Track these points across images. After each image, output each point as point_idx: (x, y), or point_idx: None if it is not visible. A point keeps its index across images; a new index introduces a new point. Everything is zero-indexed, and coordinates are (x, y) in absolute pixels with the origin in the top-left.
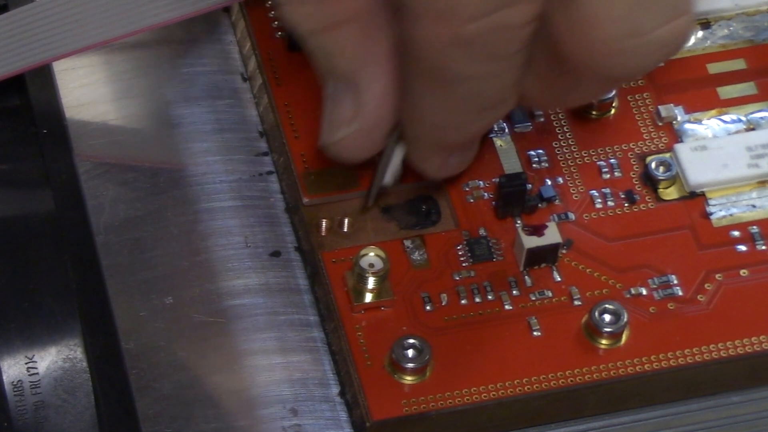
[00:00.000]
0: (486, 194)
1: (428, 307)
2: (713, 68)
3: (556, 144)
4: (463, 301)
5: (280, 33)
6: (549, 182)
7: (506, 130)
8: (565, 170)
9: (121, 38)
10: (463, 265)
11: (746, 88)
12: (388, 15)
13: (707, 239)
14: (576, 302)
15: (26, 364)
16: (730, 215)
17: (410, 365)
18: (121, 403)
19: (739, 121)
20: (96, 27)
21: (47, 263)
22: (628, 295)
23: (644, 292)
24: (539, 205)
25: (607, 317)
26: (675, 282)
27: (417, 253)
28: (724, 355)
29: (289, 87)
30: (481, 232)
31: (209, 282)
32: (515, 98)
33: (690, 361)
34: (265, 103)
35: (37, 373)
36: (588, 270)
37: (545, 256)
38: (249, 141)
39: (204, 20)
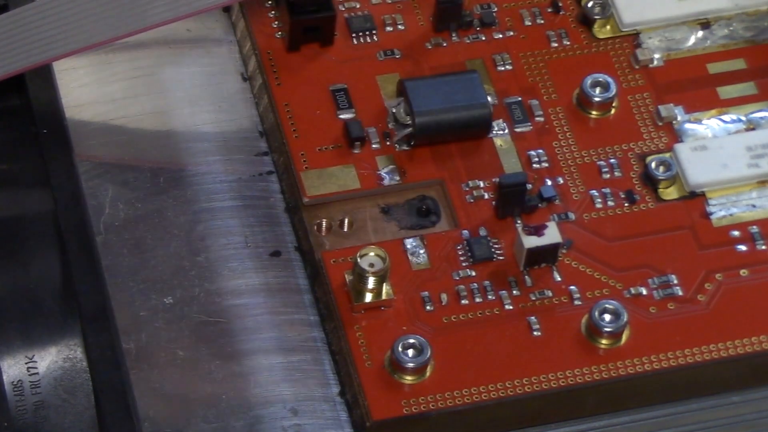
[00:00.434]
0: (486, 194)
1: (428, 307)
2: (713, 68)
3: (556, 144)
4: (463, 301)
5: (280, 33)
6: (549, 182)
7: (506, 130)
8: (565, 170)
9: (121, 38)
10: (463, 265)
11: (746, 88)
12: None
13: (707, 239)
14: (576, 302)
15: (26, 364)
16: (730, 215)
17: (410, 365)
18: (121, 403)
19: (739, 121)
20: (96, 27)
21: (47, 263)
22: (628, 295)
23: (644, 292)
24: (539, 205)
25: (607, 317)
26: (675, 282)
27: (417, 253)
28: (724, 355)
29: (289, 87)
30: (481, 232)
31: (209, 282)
32: None
33: (690, 361)
34: (265, 103)
35: (37, 373)
36: (588, 270)
37: (545, 256)
38: (249, 141)
39: (204, 20)
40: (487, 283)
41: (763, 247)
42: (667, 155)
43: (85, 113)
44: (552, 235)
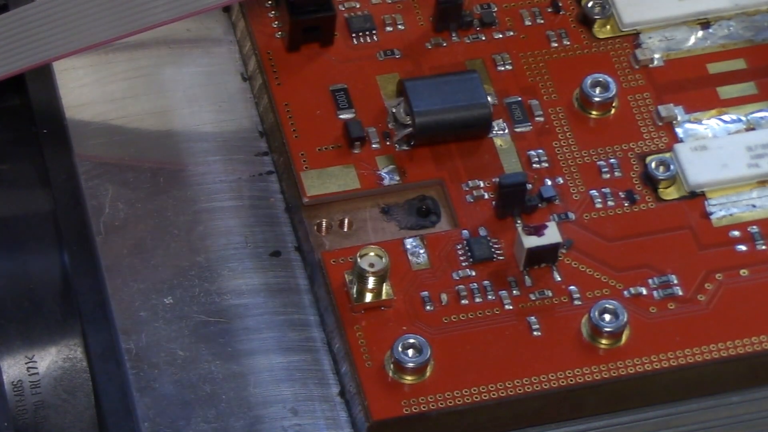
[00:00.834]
0: (486, 194)
1: (428, 307)
2: (713, 68)
3: (556, 144)
4: (463, 301)
5: (280, 33)
6: (549, 182)
7: (506, 130)
8: (565, 170)
9: (121, 38)
10: (463, 265)
11: (746, 88)
12: None
13: (707, 239)
14: (576, 302)
15: (26, 364)
16: (730, 215)
17: (410, 365)
18: (121, 403)
19: (739, 121)
20: (96, 27)
21: (47, 263)
22: (628, 295)
23: (644, 292)
24: (539, 205)
25: (607, 317)
26: (675, 282)
27: (417, 253)
28: (724, 355)
29: (289, 87)
30: (481, 232)
31: (209, 282)
32: None
33: (690, 361)
34: (265, 103)
35: (37, 373)
36: (588, 270)
37: (545, 256)
38: (249, 141)
39: (204, 20)
40: (487, 283)
41: (763, 247)
42: (667, 155)
43: (85, 113)
44: (552, 235)
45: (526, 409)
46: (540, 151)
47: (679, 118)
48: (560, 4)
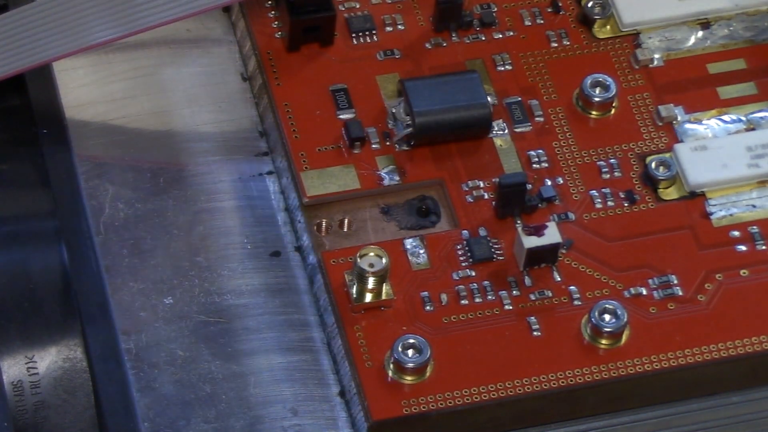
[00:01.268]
0: (486, 194)
1: (428, 307)
2: (713, 68)
3: (556, 144)
4: (463, 302)
5: (280, 33)
6: (549, 182)
7: (506, 130)
8: (565, 170)
9: (121, 38)
10: (463, 265)
11: (746, 88)
12: None
13: (707, 239)
14: (576, 302)
15: (26, 364)
16: (730, 215)
17: (410, 365)
18: (121, 403)
19: (739, 121)
20: (96, 27)
21: (47, 263)
22: (628, 295)
23: (644, 292)
24: (539, 205)
25: (607, 317)
26: (675, 282)
27: (417, 253)
28: (724, 355)
29: (289, 87)
30: (481, 232)
31: (209, 282)
32: None
33: (690, 361)
34: (265, 103)
35: (37, 373)
36: (588, 270)
37: (545, 256)
38: (249, 141)
39: (204, 20)
40: (486, 283)
41: (763, 247)
42: (667, 155)
43: (85, 113)
44: (552, 235)
45: (526, 409)
46: (540, 151)
47: (679, 118)
48: (560, 4)
